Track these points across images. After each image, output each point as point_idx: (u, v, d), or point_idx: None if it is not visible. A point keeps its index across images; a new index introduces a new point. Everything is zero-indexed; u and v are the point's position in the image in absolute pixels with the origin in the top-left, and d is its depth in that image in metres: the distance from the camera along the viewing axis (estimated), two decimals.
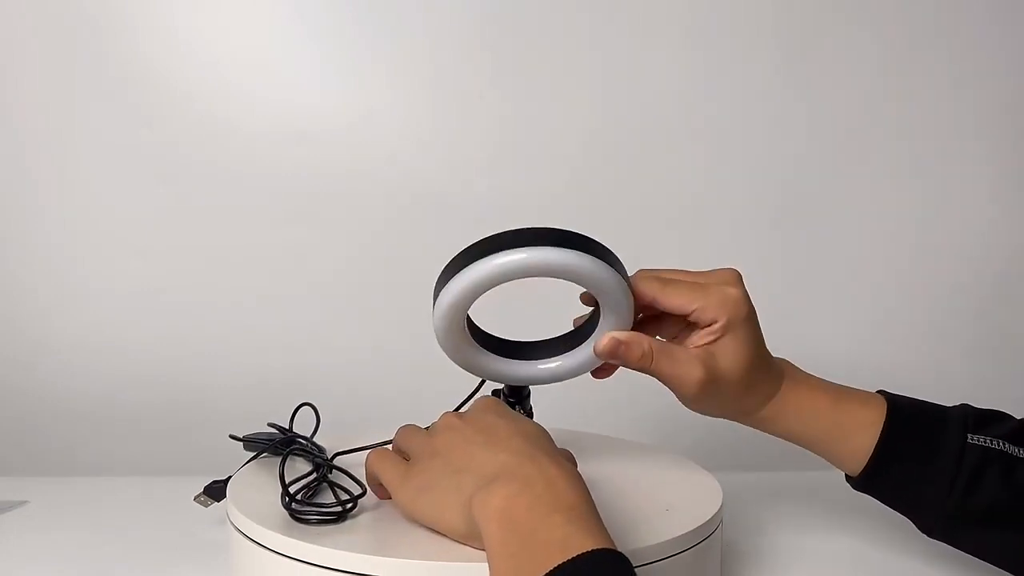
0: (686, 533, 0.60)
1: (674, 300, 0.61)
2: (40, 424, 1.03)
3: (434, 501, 0.54)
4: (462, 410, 0.61)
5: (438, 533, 0.55)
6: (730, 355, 0.61)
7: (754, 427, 0.67)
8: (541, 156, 1.07)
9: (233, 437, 0.75)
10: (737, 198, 1.10)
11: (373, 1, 1.06)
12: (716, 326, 0.60)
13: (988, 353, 1.12)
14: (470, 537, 0.52)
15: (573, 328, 0.67)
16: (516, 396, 0.67)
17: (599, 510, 0.50)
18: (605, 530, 0.48)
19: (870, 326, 1.11)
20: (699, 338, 0.61)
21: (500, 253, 0.57)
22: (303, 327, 1.06)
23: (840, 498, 0.84)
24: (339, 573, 0.55)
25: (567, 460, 0.54)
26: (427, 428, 0.60)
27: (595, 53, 1.08)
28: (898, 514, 0.67)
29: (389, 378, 1.05)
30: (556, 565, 0.44)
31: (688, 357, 0.61)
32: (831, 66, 1.10)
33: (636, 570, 0.46)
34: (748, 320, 0.61)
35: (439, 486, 0.54)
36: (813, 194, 1.10)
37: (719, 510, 0.65)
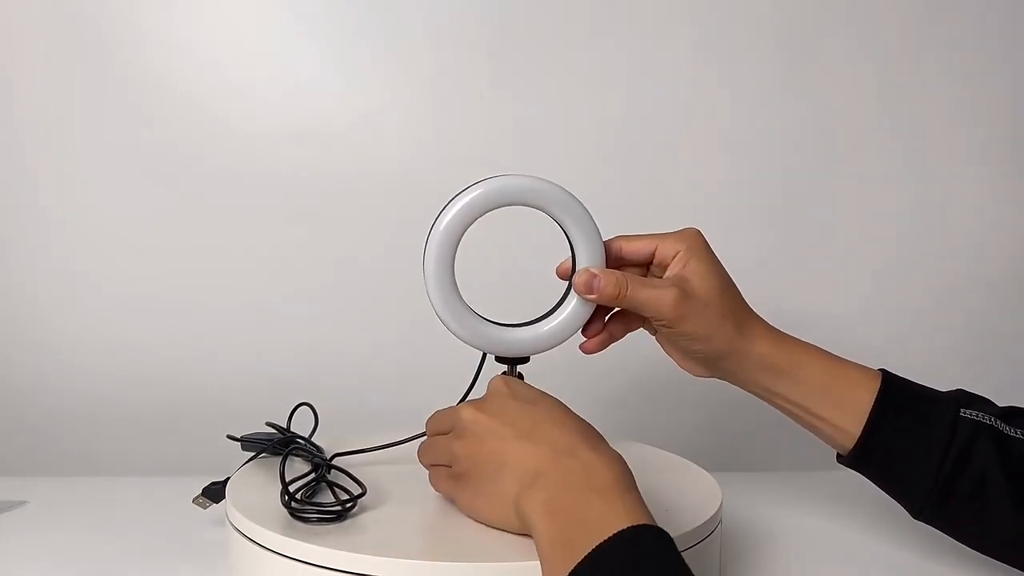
0: (685, 533, 0.60)
1: (638, 244, 0.66)
2: (40, 424, 1.03)
3: (487, 506, 0.57)
4: (479, 397, 0.61)
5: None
6: (698, 276, 0.64)
7: (750, 380, 0.67)
8: (541, 156, 1.07)
9: (231, 437, 0.75)
10: (736, 197, 1.10)
11: (373, 1, 1.06)
12: (679, 255, 0.65)
13: (984, 353, 1.12)
14: (524, 530, 0.54)
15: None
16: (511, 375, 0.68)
17: None
18: (643, 505, 0.50)
19: (868, 326, 1.11)
20: (666, 272, 0.65)
21: (474, 186, 0.64)
22: (302, 327, 1.06)
23: (839, 498, 0.84)
24: (339, 573, 0.55)
25: (596, 438, 0.55)
26: (448, 412, 0.61)
27: (596, 53, 1.08)
28: (895, 513, 0.67)
29: (387, 378, 1.05)
30: (594, 547, 0.46)
31: (660, 282, 0.65)
32: (831, 66, 1.10)
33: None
34: (709, 251, 0.66)
35: (486, 491, 0.57)
36: (811, 193, 1.10)
37: (718, 510, 0.65)
